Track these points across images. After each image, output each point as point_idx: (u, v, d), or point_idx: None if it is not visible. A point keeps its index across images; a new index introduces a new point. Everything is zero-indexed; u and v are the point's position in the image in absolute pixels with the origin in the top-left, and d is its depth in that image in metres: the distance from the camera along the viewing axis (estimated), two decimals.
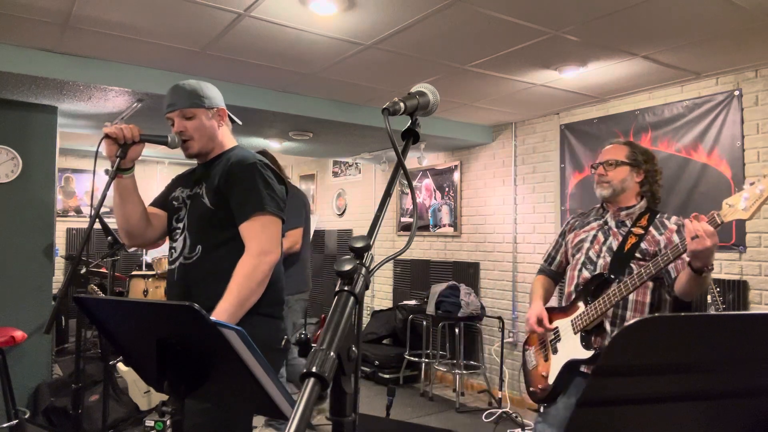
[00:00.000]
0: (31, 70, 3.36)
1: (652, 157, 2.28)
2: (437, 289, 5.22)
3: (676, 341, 0.78)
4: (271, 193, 1.90)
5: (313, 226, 7.23)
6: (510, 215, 5.13)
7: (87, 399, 3.81)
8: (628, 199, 2.24)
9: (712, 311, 3.07)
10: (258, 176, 1.90)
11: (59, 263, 6.66)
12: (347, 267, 0.83)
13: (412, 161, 5.71)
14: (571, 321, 2.18)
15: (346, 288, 0.82)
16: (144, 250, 7.26)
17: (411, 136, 1.05)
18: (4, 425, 3.49)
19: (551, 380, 2.21)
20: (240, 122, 2.18)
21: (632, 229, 2.18)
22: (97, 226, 2.78)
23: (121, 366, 4.26)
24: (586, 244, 2.28)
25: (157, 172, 7.86)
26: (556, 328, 2.25)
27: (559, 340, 2.22)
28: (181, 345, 1.24)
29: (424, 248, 6.10)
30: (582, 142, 4.52)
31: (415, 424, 4.15)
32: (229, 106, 2.11)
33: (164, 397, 1.29)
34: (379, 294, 6.70)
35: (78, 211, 7.61)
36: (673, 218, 2.17)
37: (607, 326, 2.12)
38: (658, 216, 2.18)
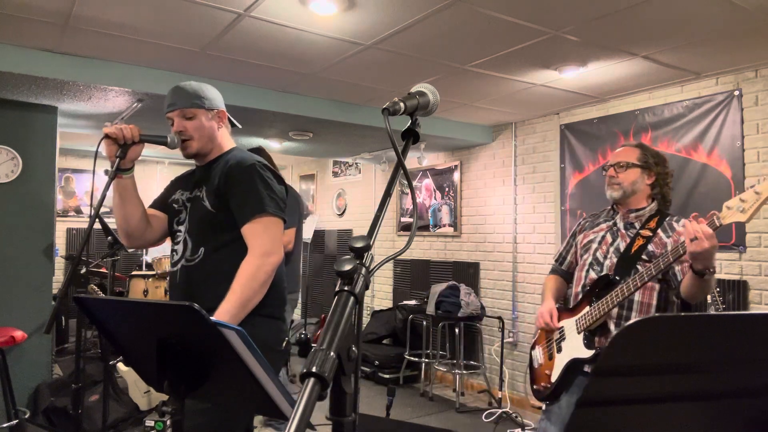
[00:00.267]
0: (31, 70, 3.36)
1: (663, 160, 2.28)
2: (437, 289, 5.22)
3: (676, 341, 0.78)
4: (271, 194, 1.91)
5: (313, 226, 7.25)
6: (510, 215, 5.13)
7: (87, 399, 3.81)
8: (638, 201, 2.24)
9: (712, 311, 3.07)
10: (257, 177, 1.90)
11: (59, 263, 6.65)
12: (347, 267, 0.83)
13: (412, 161, 5.71)
14: (576, 321, 2.20)
15: (346, 288, 0.82)
16: (144, 250, 7.27)
17: (411, 136, 1.05)
18: (4, 425, 3.49)
19: (554, 378, 2.22)
20: (240, 126, 2.18)
21: (640, 231, 2.18)
22: (97, 226, 2.78)
23: (121, 366, 4.26)
24: (594, 245, 2.29)
25: (157, 172, 7.86)
26: (562, 327, 2.26)
27: (564, 339, 2.24)
28: (181, 345, 1.24)
29: (424, 248, 6.10)
30: (582, 142, 4.52)
31: (415, 424, 4.15)
32: (229, 106, 2.11)
33: (164, 397, 1.29)
34: (379, 294, 6.70)
35: (78, 211, 7.61)
36: (682, 221, 2.15)
37: (611, 327, 2.13)
38: (667, 219, 2.19)
